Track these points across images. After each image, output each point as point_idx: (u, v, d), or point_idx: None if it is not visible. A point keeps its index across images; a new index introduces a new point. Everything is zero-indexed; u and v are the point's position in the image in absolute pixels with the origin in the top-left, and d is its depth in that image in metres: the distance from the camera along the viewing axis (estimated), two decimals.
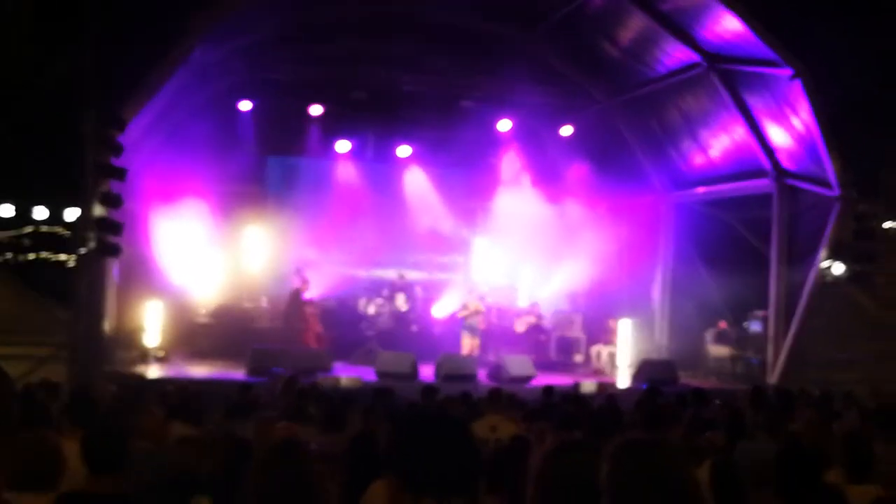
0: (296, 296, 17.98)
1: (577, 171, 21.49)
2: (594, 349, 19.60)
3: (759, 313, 17.93)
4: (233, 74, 18.58)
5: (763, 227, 17.94)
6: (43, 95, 14.01)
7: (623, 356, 19.75)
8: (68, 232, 16.02)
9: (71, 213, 15.69)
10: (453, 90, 20.34)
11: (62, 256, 16.70)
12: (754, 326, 18.12)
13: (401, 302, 20.08)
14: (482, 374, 16.61)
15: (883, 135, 16.00)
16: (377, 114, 20.45)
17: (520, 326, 19.79)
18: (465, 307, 18.85)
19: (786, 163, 17.20)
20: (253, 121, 19.85)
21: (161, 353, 16.91)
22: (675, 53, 17.32)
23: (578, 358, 19.74)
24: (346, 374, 15.39)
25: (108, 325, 15.32)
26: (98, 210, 14.14)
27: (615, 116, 20.52)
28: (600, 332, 19.90)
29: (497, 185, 21.70)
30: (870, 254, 15.71)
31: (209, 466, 5.13)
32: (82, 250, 14.09)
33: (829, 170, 15.62)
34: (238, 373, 15.56)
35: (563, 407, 9.95)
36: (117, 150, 14.15)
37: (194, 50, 14.98)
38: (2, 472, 4.16)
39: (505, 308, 20.50)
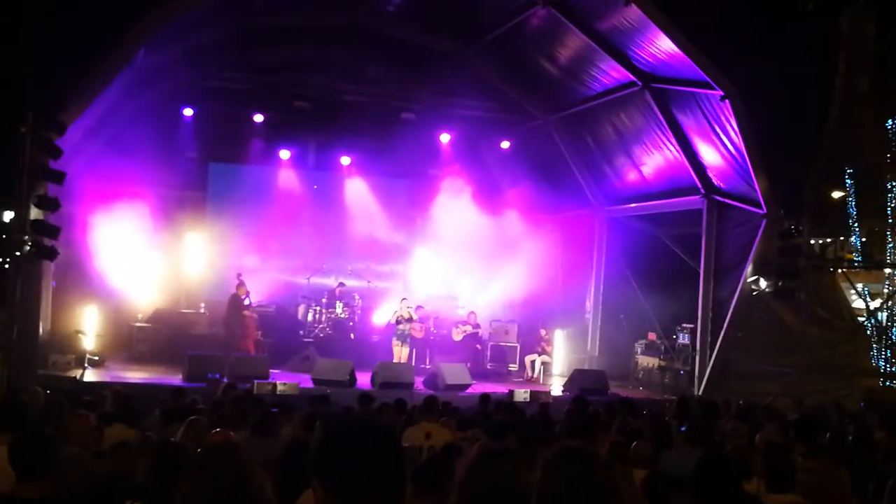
0: (235, 302, 17.95)
1: (515, 184, 21.86)
2: (528, 358, 19.86)
3: (687, 326, 18.33)
4: (176, 80, 18.49)
5: (693, 242, 18.37)
6: None
7: (556, 365, 20.10)
8: (3, 235, 15.81)
9: (6, 216, 15.49)
10: (394, 101, 20.54)
11: None
12: (683, 338, 18.51)
13: (339, 310, 20.15)
14: (419, 383, 16.78)
15: (807, 155, 16.58)
16: (319, 123, 20.58)
17: (457, 335, 19.99)
18: (397, 315, 18.97)
19: (716, 181, 17.64)
20: (195, 127, 19.84)
21: (97, 358, 16.73)
22: (611, 72, 17.67)
23: (513, 367, 20.02)
24: (284, 381, 15.43)
25: (43, 329, 15.16)
26: (34, 213, 13.96)
27: (552, 132, 20.86)
28: (534, 341, 20.16)
29: (436, 195, 21.92)
30: (793, 270, 16.17)
31: (144, 471, 5.13)
32: (17, 253, 13.92)
33: (757, 188, 16.09)
34: (175, 378, 15.52)
35: (497, 415, 10.21)
36: (56, 152, 13.99)
37: (137, 54, 14.91)
38: None
39: (442, 317, 20.68)
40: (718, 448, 7.14)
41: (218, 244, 20.11)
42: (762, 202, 16.23)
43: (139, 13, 13.94)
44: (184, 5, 14.52)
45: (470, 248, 20.96)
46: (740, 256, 16.96)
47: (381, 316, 20.80)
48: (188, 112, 19.61)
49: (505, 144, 21.86)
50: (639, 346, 19.85)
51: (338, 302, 20.23)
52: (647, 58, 16.57)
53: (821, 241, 18.41)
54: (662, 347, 19.13)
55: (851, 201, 20.16)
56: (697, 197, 17.97)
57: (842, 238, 19.51)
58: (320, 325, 19.94)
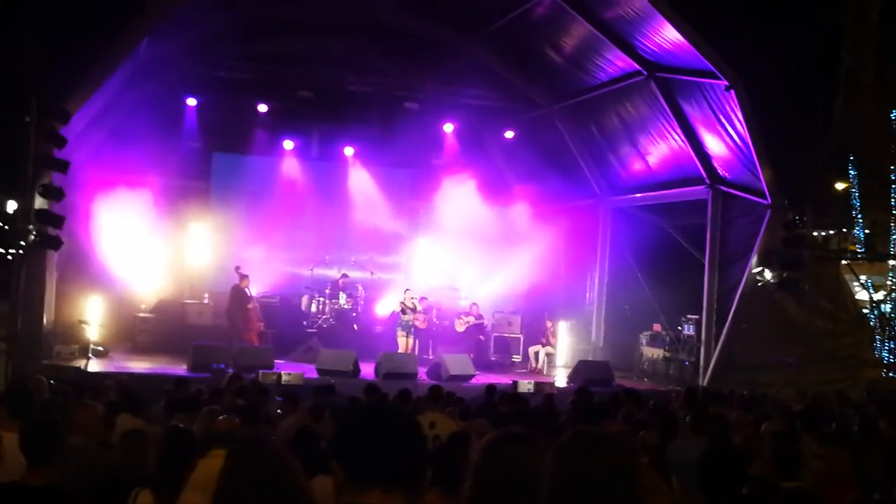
0: (238, 293, 17.95)
1: (519, 173, 21.82)
2: (532, 349, 19.86)
3: (692, 316, 18.31)
4: (180, 70, 18.48)
5: (697, 232, 18.34)
6: None
7: (560, 356, 20.10)
8: (7, 225, 15.80)
9: (11, 206, 15.49)
10: (397, 91, 20.51)
11: (1, 249, 16.46)
12: (687, 329, 18.50)
13: (343, 300, 20.15)
14: (422, 373, 16.79)
15: (811, 146, 16.55)
16: (322, 113, 20.57)
17: (459, 326, 19.98)
18: (402, 305, 18.99)
19: (721, 170, 17.61)
20: (199, 117, 19.82)
21: (101, 348, 16.75)
22: (615, 61, 17.65)
23: (516, 358, 20.02)
24: (288, 371, 15.44)
25: (47, 319, 15.18)
26: (39, 202, 13.96)
27: (556, 121, 20.81)
28: (538, 332, 20.17)
29: (440, 185, 21.87)
30: (797, 261, 16.15)
31: (152, 459, 5.14)
32: (21, 243, 13.91)
33: (761, 178, 16.07)
34: (179, 368, 15.54)
35: (501, 405, 10.21)
36: (60, 142, 13.99)
37: (140, 44, 14.89)
38: None
39: (445, 308, 20.67)
40: (724, 437, 7.13)
41: (221, 234, 20.10)
42: (766, 192, 16.21)
43: (142, 2, 13.92)
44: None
45: (473, 238, 20.91)
46: (745, 247, 16.94)
47: (384, 307, 20.79)
48: (192, 102, 19.59)
49: (509, 134, 21.80)
50: (643, 338, 19.81)
51: (341, 293, 20.21)
52: (652, 47, 16.55)
53: (824, 233, 18.40)
54: (667, 338, 19.11)
55: (855, 192, 20.16)
56: (702, 187, 17.94)
57: (845, 230, 19.50)
58: (324, 316, 19.93)
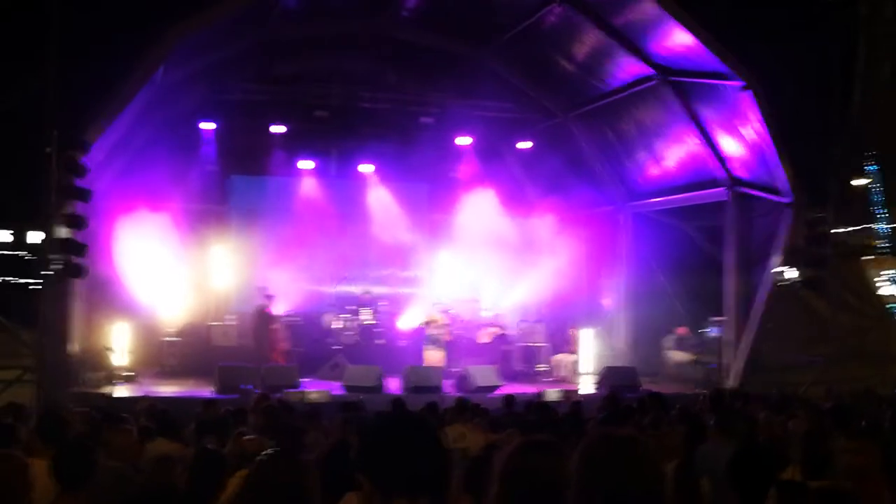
0: (262, 313, 18.03)
1: (537, 183, 21.84)
2: (557, 358, 19.82)
3: (717, 319, 18.23)
4: (195, 95, 18.65)
5: (718, 234, 18.31)
6: (5, 117, 13.98)
7: (585, 364, 20.04)
8: (32, 255, 15.93)
9: (34, 236, 15.62)
10: (412, 107, 20.58)
11: (26, 279, 16.58)
12: (712, 332, 18.42)
13: (366, 316, 20.19)
14: (448, 385, 16.79)
15: (830, 143, 16.47)
16: (339, 131, 20.65)
17: (483, 338, 19.98)
18: (429, 320, 19.01)
19: (738, 172, 17.58)
20: (216, 140, 19.96)
21: (129, 373, 16.87)
22: (628, 67, 17.66)
23: (542, 367, 19.96)
24: (314, 388, 15.49)
25: (74, 347, 15.30)
26: (62, 232, 14.09)
27: (572, 129, 20.83)
28: (563, 341, 20.13)
29: (458, 198, 21.93)
30: (821, 258, 16.08)
31: (184, 482, 5.18)
32: (47, 273, 14.04)
33: (781, 178, 16.02)
34: (206, 391, 15.60)
35: (529, 415, 10.21)
36: (81, 171, 14.13)
37: (158, 71, 15.05)
38: None
39: (468, 320, 20.68)
40: (753, 439, 7.09)
41: (243, 256, 20.18)
42: (786, 191, 16.14)
43: (159, 31, 14.06)
44: (202, 20, 14.63)
45: (494, 249, 20.93)
46: (767, 247, 16.88)
47: (408, 320, 20.82)
48: (209, 126, 19.74)
49: (525, 144, 21.81)
50: (668, 342, 19.71)
51: (364, 309, 20.26)
52: (665, 51, 16.55)
53: (846, 230, 18.28)
54: (692, 341, 19.02)
55: (876, 188, 20.01)
56: (721, 189, 17.92)
57: (867, 226, 19.36)
58: (348, 333, 19.97)
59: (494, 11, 18.04)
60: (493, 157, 22.05)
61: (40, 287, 14.25)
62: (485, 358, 19.06)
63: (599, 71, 18.40)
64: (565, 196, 21.11)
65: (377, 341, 20.11)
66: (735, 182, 17.69)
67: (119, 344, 17.33)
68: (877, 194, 19.89)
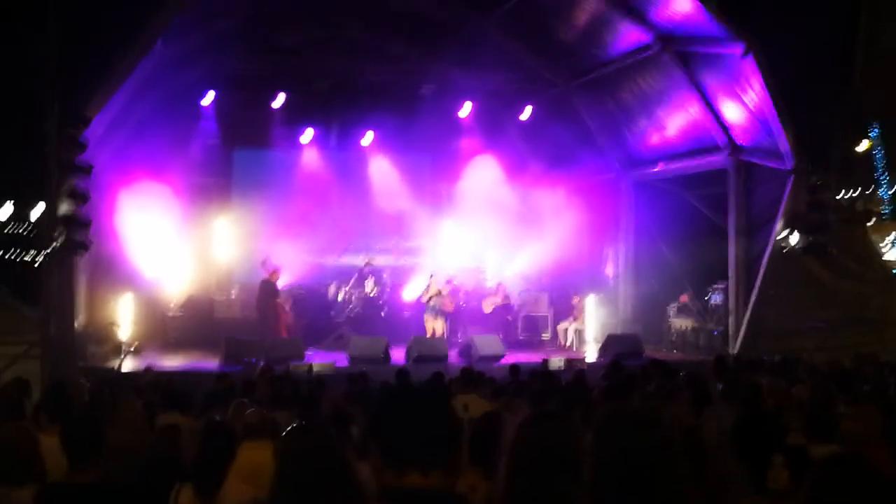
0: (266, 286, 18.07)
1: (538, 152, 21.77)
2: (560, 326, 19.89)
3: (720, 285, 18.25)
4: (195, 67, 18.52)
5: (720, 201, 18.24)
6: (5, 93, 13.95)
7: (589, 332, 20.11)
8: (33, 231, 15.95)
9: (37, 212, 15.63)
10: (413, 77, 20.43)
11: (30, 255, 16.63)
12: (715, 298, 18.43)
13: (370, 287, 20.22)
14: (452, 355, 16.85)
15: (832, 108, 16.40)
16: (339, 102, 20.52)
17: (487, 307, 20.03)
18: (426, 290, 19.02)
19: (740, 138, 17.51)
20: (216, 113, 19.92)
21: (134, 347, 16.94)
22: (628, 35, 17.52)
23: (545, 336, 20.04)
24: (319, 361, 15.55)
25: (79, 321, 15.36)
26: (65, 207, 14.06)
27: (572, 98, 20.73)
28: (566, 309, 20.19)
29: (460, 169, 21.90)
30: (823, 224, 16.06)
31: (192, 453, 5.17)
32: (50, 248, 14.05)
33: (783, 143, 15.96)
34: (211, 363, 15.68)
35: (533, 383, 10.25)
36: (82, 146, 14.10)
37: (156, 44, 14.97)
38: None
39: (472, 289, 20.70)
40: (757, 404, 7.12)
41: (245, 228, 20.20)
42: (788, 157, 16.09)
43: (158, 2, 13.98)
44: None
45: (496, 218, 20.94)
46: (769, 213, 16.84)
47: (411, 291, 20.85)
48: (209, 98, 19.68)
49: (526, 113, 21.73)
50: (671, 309, 19.72)
51: (367, 280, 20.29)
52: (665, 17, 16.42)
53: (848, 196, 18.28)
54: (695, 309, 19.06)
55: (878, 153, 19.96)
56: (723, 156, 17.85)
57: (869, 191, 19.36)
58: (351, 304, 20.03)
59: None
60: (494, 126, 21.98)
61: (44, 262, 14.28)
62: (488, 327, 19.14)
63: (600, 39, 18.26)
64: (567, 165, 21.06)
65: (381, 312, 20.16)
66: (737, 149, 17.62)
67: (123, 318, 17.38)
68: (879, 159, 19.88)
